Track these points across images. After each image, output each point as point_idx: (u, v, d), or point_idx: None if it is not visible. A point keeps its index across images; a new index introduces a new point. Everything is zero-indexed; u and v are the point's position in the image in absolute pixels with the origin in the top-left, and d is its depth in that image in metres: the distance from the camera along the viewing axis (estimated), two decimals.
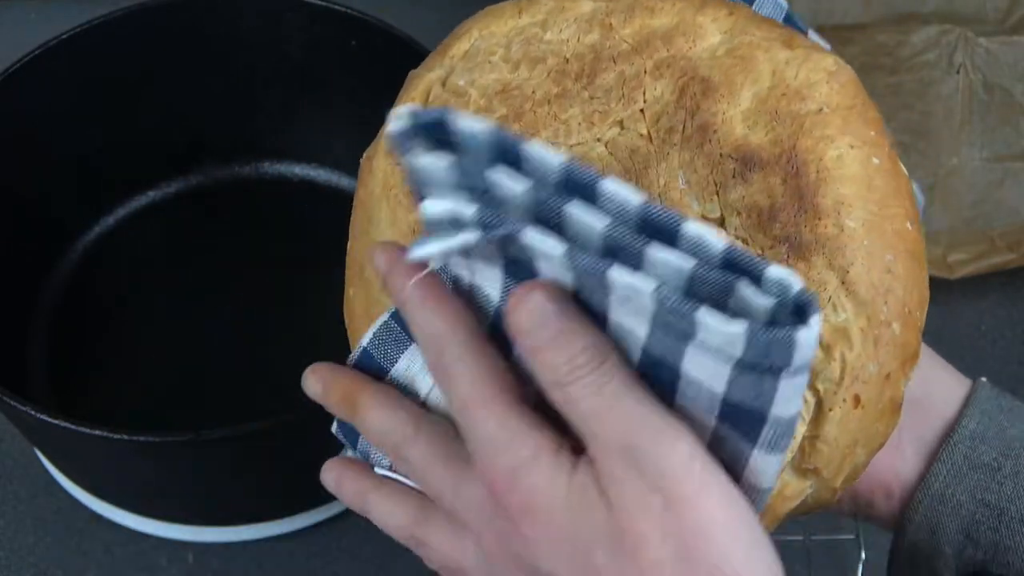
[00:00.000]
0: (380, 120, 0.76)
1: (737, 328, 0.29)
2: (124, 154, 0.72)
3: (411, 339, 0.39)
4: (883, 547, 0.64)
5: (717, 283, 0.30)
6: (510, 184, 0.31)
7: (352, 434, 0.42)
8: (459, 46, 0.43)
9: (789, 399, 0.31)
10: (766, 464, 0.32)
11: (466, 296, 0.36)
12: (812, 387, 0.37)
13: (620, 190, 0.31)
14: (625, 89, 0.40)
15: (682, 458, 0.31)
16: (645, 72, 0.40)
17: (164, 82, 0.70)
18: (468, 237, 0.31)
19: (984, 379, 0.45)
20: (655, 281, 0.30)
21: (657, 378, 0.32)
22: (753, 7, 0.44)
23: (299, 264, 0.72)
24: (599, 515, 0.32)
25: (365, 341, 0.40)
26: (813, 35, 0.47)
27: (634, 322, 0.31)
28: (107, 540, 0.63)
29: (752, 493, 0.33)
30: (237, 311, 0.69)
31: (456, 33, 0.43)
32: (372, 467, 0.41)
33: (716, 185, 0.38)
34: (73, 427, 0.52)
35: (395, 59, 0.67)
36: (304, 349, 0.67)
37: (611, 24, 0.41)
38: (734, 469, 0.32)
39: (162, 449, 0.53)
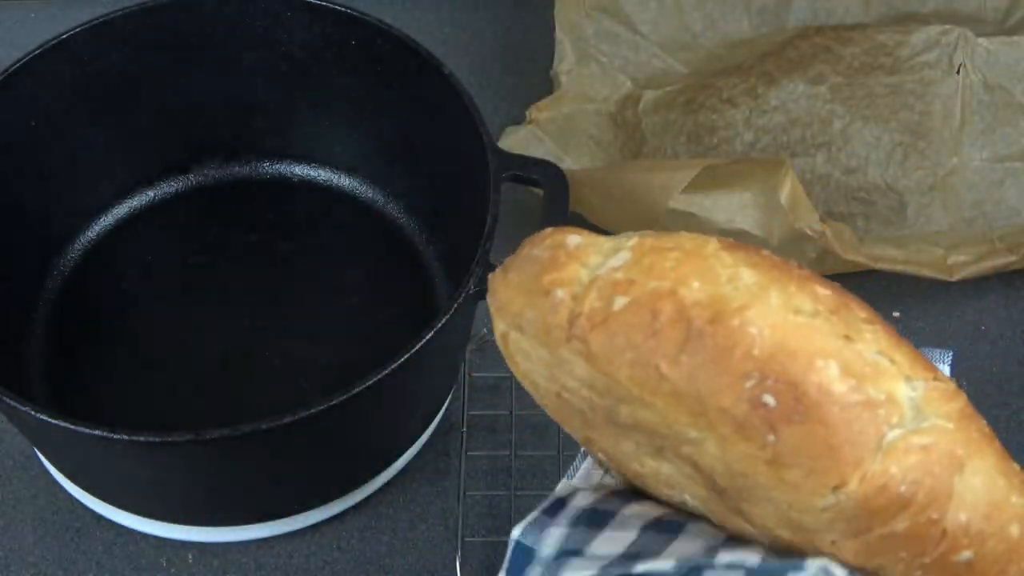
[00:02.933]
0: (379, 120, 0.76)
1: None
2: (123, 154, 0.72)
3: None
4: None
5: None
6: None
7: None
8: None
9: None
10: None
11: None
12: None
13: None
14: None
15: None
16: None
17: (164, 82, 0.70)
18: None
19: None
20: None
21: None
22: None
23: (299, 264, 0.72)
24: None
25: None
26: None
27: None
28: (107, 540, 0.63)
29: None
30: (237, 311, 0.69)
31: None
32: None
33: None
34: (73, 427, 0.52)
35: (395, 59, 0.67)
36: (304, 349, 0.67)
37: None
38: None
39: (162, 449, 0.53)
